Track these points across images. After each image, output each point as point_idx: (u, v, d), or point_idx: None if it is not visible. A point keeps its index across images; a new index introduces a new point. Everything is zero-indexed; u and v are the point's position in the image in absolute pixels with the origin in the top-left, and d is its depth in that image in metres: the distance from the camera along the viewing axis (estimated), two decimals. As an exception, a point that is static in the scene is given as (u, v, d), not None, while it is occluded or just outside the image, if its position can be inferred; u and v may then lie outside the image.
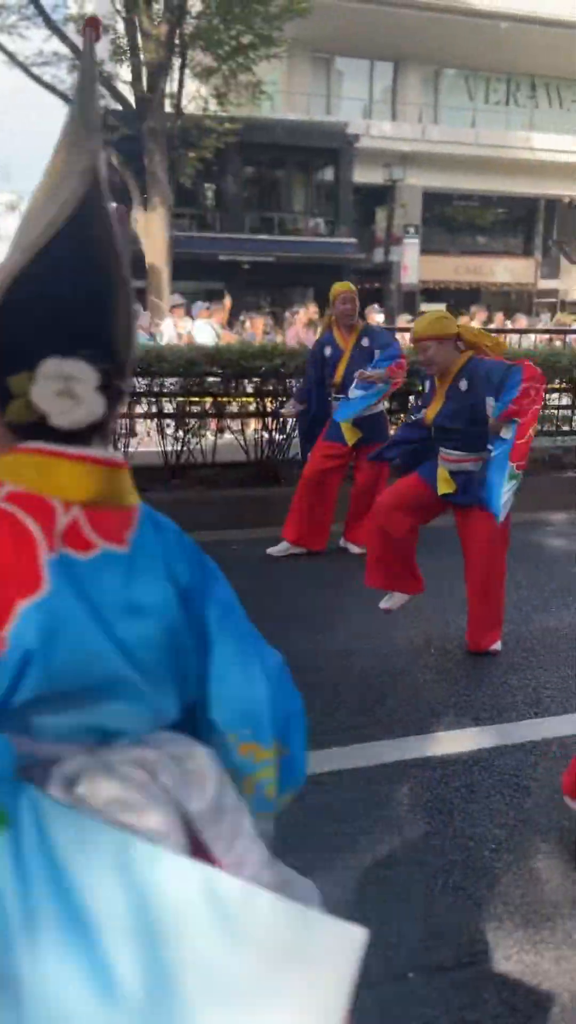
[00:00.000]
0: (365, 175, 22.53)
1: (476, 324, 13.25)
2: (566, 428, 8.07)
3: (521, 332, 11.75)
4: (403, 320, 15.02)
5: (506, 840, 2.58)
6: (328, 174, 23.39)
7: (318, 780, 2.89)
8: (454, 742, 3.19)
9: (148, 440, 6.91)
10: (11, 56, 15.03)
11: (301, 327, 12.37)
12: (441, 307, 22.71)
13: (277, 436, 6.97)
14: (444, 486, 3.87)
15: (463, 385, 3.72)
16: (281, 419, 6.91)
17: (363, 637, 4.20)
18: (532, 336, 11.33)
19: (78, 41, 15.40)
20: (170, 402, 6.84)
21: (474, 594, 4.00)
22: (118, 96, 15.62)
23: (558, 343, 10.70)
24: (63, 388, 0.94)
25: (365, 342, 5.44)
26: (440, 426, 3.86)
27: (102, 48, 15.54)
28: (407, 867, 2.45)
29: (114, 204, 1.07)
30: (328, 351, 5.54)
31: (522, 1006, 1.96)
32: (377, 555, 4.11)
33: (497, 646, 4.02)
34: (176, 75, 15.57)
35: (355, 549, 5.59)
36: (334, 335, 5.56)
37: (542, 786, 2.88)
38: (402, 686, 3.70)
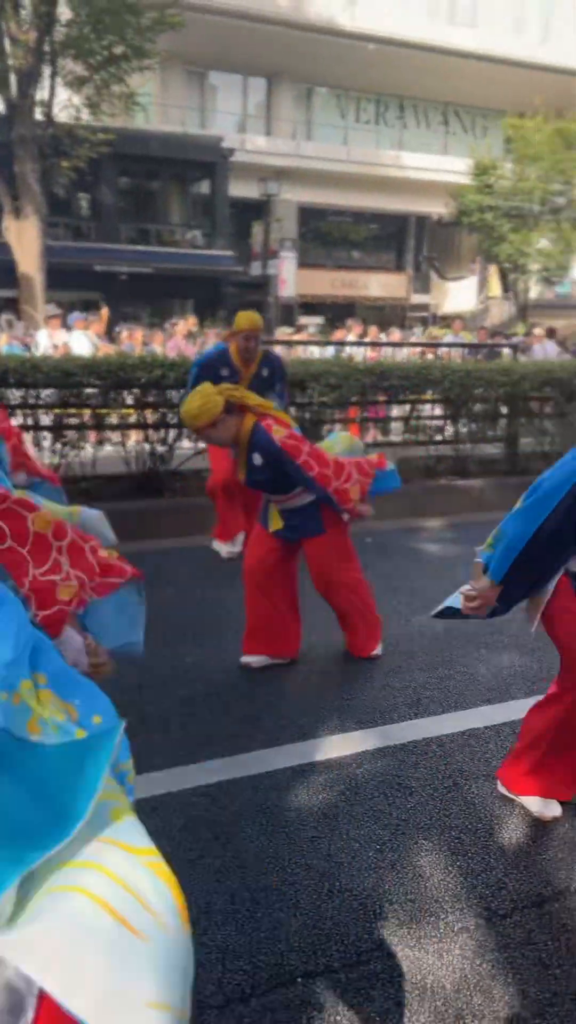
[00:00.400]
0: (241, 189, 22.72)
1: (352, 337, 13.56)
2: (438, 438, 8.35)
3: (395, 345, 12.12)
4: (282, 333, 15.21)
5: (390, 840, 2.64)
6: (204, 187, 23.45)
7: (205, 792, 2.89)
8: (338, 745, 3.24)
9: (24, 453, 6.73)
10: None
11: (181, 338, 12.36)
12: (319, 320, 23.12)
13: (159, 448, 6.92)
14: (274, 524, 3.94)
15: (257, 460, 3.73)
16: (164, 430, 6.88)
17: (247, 647, 4.21)
18: (405, 349, 11.69)
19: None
20: (47, 414, 6.70)
21: (343, 613, 4.09)
22: (-15, 101, 15.23)
23: (430, 356, 11.07)
24: None
25: (265, 372, 5.47)
26: (252, 484, 3.93)
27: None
28: (294, 872, 2.48)
29: None
30: (225, 372, 5.49)
31: (408, 1000, 2.01)
32: (255, 619, 4.02)
33: (378, 651, 4.12)
34: (47, 83, 15.29)
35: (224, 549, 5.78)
36: (232, 358, 5.53)
37: (423, 785, 2.97)
38: (286, 693, 3.73)
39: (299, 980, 2.07)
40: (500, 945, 2.20)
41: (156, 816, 2.71)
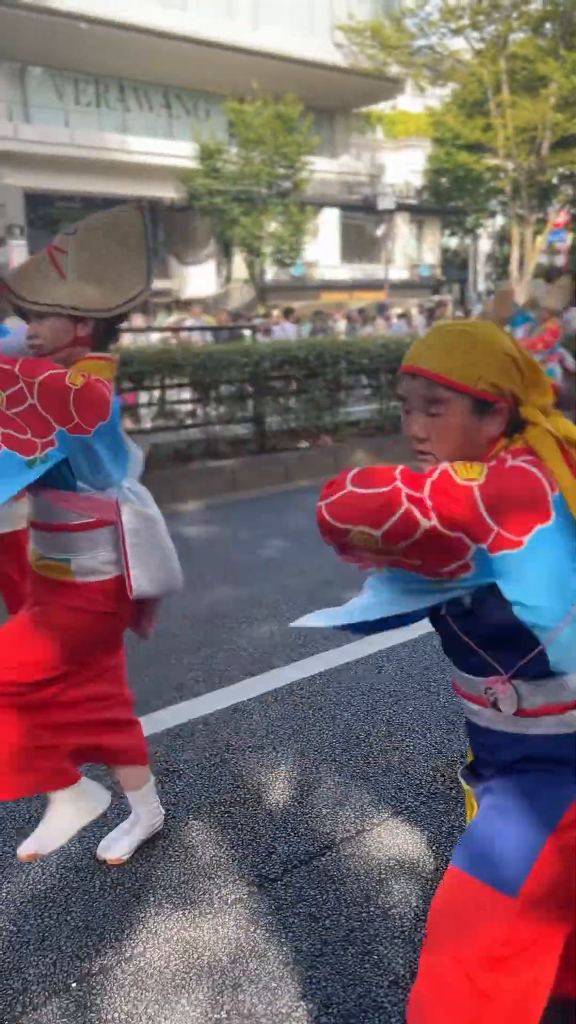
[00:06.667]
0: (-47, 174, 21.43)
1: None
2: (189, 422, 8.38)
3: (138, 331, 11.97)
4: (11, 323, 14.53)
5: (160, 826, 2.62)
6: None
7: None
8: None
9: None
10: None
11: None
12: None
13: None
14: None
15: None
16: None
17: None
18: (154, 335, 11.60)
19: None
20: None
21: None
22: None
23: (174, 340, 11.05)
24: None
25: None
26: None
27: None
28: (64, 875, 2.40)
29: None
30: None
31: (186, 982, 2.01)
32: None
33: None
34: None
35: None
36: None
37: (191, 766, 2.98)
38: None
39: (72, 985, 2.01)
40: (272, 909, 2.25)
41: None
